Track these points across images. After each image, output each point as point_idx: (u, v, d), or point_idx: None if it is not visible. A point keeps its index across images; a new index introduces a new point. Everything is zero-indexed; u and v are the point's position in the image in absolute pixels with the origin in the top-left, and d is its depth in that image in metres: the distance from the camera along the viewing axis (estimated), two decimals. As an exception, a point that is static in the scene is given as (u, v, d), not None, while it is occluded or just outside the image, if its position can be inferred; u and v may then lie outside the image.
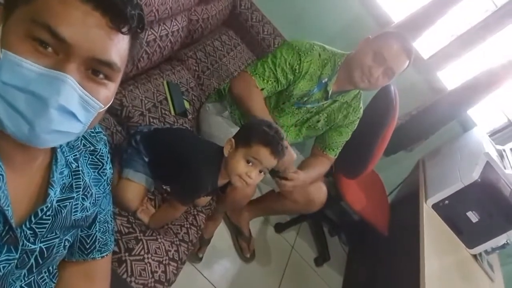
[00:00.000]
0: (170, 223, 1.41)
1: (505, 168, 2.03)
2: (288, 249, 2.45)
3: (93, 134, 0.84)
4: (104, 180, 0.86)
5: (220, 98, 1.83)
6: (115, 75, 0.63)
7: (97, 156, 0.84)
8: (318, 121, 1.76)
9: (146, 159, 1.35)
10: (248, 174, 1.24)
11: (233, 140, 1.28)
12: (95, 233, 0.88)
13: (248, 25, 2.37)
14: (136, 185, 1.33)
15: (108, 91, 0.63)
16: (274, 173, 1.60)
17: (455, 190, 2.03)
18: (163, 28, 1.61)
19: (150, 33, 1.52)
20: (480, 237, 2.02)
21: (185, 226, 1.45)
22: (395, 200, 2.69)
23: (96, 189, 0.83)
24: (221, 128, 1.74)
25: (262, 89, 1.58)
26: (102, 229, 0.90)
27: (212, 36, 2.20)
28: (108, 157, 0.86)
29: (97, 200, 0.84)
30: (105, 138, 0.87)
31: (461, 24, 2.41)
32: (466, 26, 2.34)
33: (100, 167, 0.84)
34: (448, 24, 2.39)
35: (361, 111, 1.79)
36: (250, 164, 1.24)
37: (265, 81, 1.58)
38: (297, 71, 1.60)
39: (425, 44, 2.44)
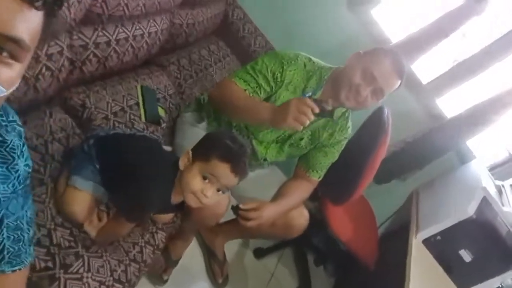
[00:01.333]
0: (122, 240, 1.26)
1: (503, 205, 1.87)
2: (267, 277, 2.27)
3: (3, 123, 0.71)
4: (15, 178, 0.73)
5: (198, 108, 1.70)
6: (23, 54, 0.54)
7: (6, 149, 0.71)
8: (301, 139, 1.62)
9: (98, 166, 1.21)
10: (203, 192, 1.10)
11: (190, 152, 1.14)
12: (1, 241, 0.75)
13: (239, 36, 2.27)
14: (83, 194, 1.19)
15: (12, 71, 0.54)
16: (234, 208, 1.46)
17: (448, 226, 1.87)
18: (137, 27, 1.49)
19: (121, 30, 1.41)
20: (473, 278, 1.85)
21: (140, 244, 1.30)
22: (385, 232, 2.53)
23: (2, 187, 0.70)
24: (195, 139, 1.60)
25: (245, 90, 1.46)
26: (12, 237, 0.77)
27: (199, 44, 2.09)
28: (22, 151, 0.74)
29: (2, 200, 0.71)
30: (21, 129, 0.74)
31: (464, 49, 2.29)
32: (469, 52, 2.22)
33: (9, 161, 0.72)
34: (450, 49, 2.28)
35: (349, 131, 1.66)
36: (207, 181, 1.11)
37: (247, 85, 1.47)
38: (278, 79, 1.48)
39: (425, 68, 2.33)
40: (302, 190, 1.68)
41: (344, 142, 1.66)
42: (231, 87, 1.46)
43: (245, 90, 1.45)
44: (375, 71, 1.39)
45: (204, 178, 1.10)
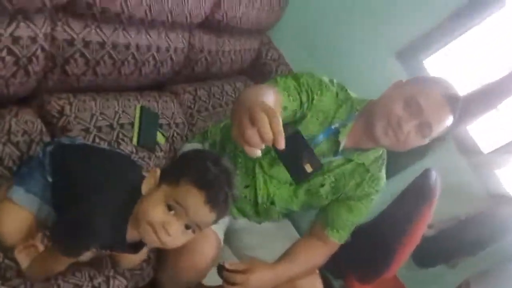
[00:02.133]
0: (62, 278, 0.97)
1: None
2: None
3: None
4: None
5: (203, 140, 1.46)
6: None
7: None
8: (321, 185, 1.28)
9: (50, 179, 0.97)
10: (165, 226, 0.81)
11: (158, 171, 0.87)
12: None
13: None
14: (21, 211, 0.94)
15: None
16: (219, 267, 1.17)
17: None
18: (144, 36, 1.32)
19: (121, 34, 1.23)
20: None
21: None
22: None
23: None
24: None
25: (284, 109, 1.07)
26: None
27: (224, 79, 1.90)
28: None
29: None
30: None
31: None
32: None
33: None
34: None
35: (382, 183, 1.31)
36: (172, 212, 0.81)
37: (290, 98, 1.10)
38: (314, 102, 1.17)
39: (486, 136, 1.96)
40: (316, 253, 1.33)
41: (375, 197, 1.31)
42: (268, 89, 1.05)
43: (285, 108, 1.07)
44: (422, 101, 1.09)
45: (170, 208, 0.82)
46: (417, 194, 1.52)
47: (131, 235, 0.88)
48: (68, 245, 0.85)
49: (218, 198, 0.81)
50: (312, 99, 1.17)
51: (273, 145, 0.67)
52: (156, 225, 0.81)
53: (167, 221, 0.81)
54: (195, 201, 0.80)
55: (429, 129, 1.11)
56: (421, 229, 1.53)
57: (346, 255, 1.77)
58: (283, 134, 0.67)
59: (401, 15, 1.93)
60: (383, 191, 1.33)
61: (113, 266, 1.09)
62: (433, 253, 1.95)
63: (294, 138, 0.73)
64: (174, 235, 0.82)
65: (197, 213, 0.81)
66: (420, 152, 1.92)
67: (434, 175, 1.58)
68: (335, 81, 1.26)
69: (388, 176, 1.92)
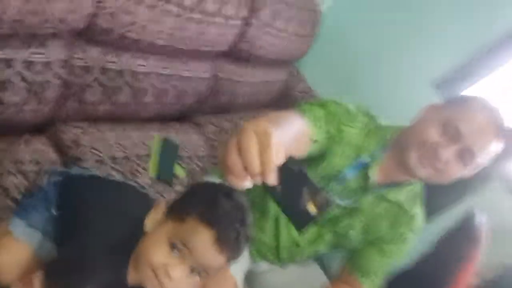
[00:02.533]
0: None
1: None
2: None
3: None
4: None
5: (222, 174, 1.37)
6: None
7: None
8: (351, 228, 1.14)
9: (54, 213, 0.90)
10: (167, 269, 0.70)
11: (164, 205, 0.78)
12: None
13: (300, 112, 1.97)
14: (20, 247, 0.86)
15: None
16: None
17: None
18: (166, 64, 1.27)
19: (141, 62, 1.19)
20: None
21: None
22: None
23: None
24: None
25: (315, 142, 0.95)
26: None
27: (250, 111, 1.83)
28: None
29: None
30: None
31: None
32: None
33: None
34: None
35: (420, 221, 1.16)
36: (176, 252, 0.72)
37: (321, 130, 0.97)
38: (342, 134, 1.03)
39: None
40: None
41: (411, 238, 1.16)
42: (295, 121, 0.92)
43: (315, 141, 0.95)
44: (462, 125, 0.94)
45: (173, 247, 0.72)
46: (460, 239, 1.37)
47: (134, 277, 0.79)
48: (61, 286, 0.76)
49: (229, 237, 0.70)
50: (341, 131, 1.03)
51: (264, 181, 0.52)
52: (157, 268, 0.71)
53: (170, 263, 0.71)
54: (202, 240, 0.70)
55: (470, 156, 0.95)
56: (466, 279, 1.36)
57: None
58: (273, 168, 0.51)
59: (439, 45, 1.83)
60: (419, 231, 1.18)
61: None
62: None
63: (291, 170, 0.54)
64: (178, 280, 0.71)
65: (204, 254, 0.70)
66: (459, 193, 1.76)
67: (479, 218, 1.42)
68: (363, 108, 1.11)
69: (426, 219, 1.78)
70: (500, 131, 0.95)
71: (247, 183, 0.52)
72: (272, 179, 0.51)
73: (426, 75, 1.85)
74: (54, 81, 1.01)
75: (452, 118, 0.96)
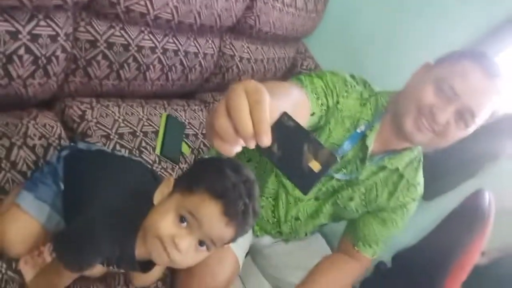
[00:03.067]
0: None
1: None
2: None
3: None
4: None
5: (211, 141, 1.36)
6: None
7: None
8: (350, 199, 1.13)
9: (62, 186, 0.90)
10: (175, 239, 0.70)
11: (172, 180, 0.77)
12: None
13: (306, 89, 1.95)
14: (28, 220, 0.87)
15: None
16: None
17: None
18: (172, 40, 1.25)
19: (146, 37, 1.17)
20: None
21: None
22: None
23: None
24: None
25: (312, 114, 0.91)
26: None
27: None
28: None
29: None
30: None
31: None
32: None
33: None
34: None
35: (420, 189, 1.14)
36: (184, 224, 0.71)
37: (319, 102, 0.93)
38: (339, 106, 0.99)
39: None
40: (344, 271, 1.20)
41: (412, 206, 1.15)
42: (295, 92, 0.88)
43: (313, 114, 0.92)
44: (457, 83, 0.89)
45: (181, 219, 0.72)
46: (468, 217, 1.35)
47: (141, 251, 0.79)
48: (69, 259, 0.77)
49: (237, 210, 0.70)
50: (337, 102, 0.99)
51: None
52: (165, 238, 0.71)
53: (178, 234, 0.71)
54: (210, 212, 0.69)
55: (471, 115, 0.90)
56: (473, 258, 1.35)
57: (386, 283, 1.62)
58: (268, 126, 0.44)
59: (450, 24, 1.80)
60: (420, 201, 1.18)
61: (127, 283, 1.00)
62: (484, 284, 1.75)
63: (286, 128, 0.48)
64: (185, 251, 0.71)
65: (212, 226, 0.70)
66: (471, 170, 1.75)
67: (487, 196, 1.41)
68: (357, 76, 1.08)
69: (435, 196, 1.77)
70: (498, 82, 0.90)
71: (237, 148, 0.47)
72: (267, 140, 0.45)
73: (433, 54, 1.82)
74: (61, 54, 1.00)
75: (445, 76, 0.91)
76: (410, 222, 1.25)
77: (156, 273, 0.96)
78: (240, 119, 0.44)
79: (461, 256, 1.33)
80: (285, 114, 0.48)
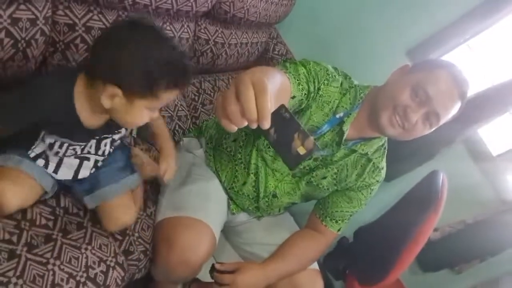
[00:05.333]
0: (57, 265, 0.94)
1: None
2: None
3: None
4: None
5: (198, 134, 1.43)
6: None
7: None
8: (323, 177, 1.25)
9: None
10: (152, 118, 0.93)
11: (118, 91, 0.83)
12: None
13: (278, 73, 2.02)
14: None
15: None
16: (211, 269, 1.19)
17: None
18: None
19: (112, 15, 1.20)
20: None
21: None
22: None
23: None
24: (186, 166, 1.33)
25: (293, 98, 1.02)
26: None
27: (230, 72, 1.87)
28: None
29: None
30: None
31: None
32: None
33: None
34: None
35: (383, 173, 1.28)
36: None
37: (300, 87, 1.03)
38: (320, 93, 1.12)
39: (498, 137, 1.90)
40: (313, 245, 1.30)
41: (375, 187, 1.28)
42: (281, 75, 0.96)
43: (293, 97, 1.01)
44: (430, 89, 1.03)
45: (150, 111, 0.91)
46: (423, 197, 1.48)
47: (89, 119, 0.91)
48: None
49: (184, 81, 0.89)
50: (318, 89, 1.11)
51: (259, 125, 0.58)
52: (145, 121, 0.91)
53: (152, 116, 0.91)
54: (172, 97, 0.89)
55: (436, 118, 1.05)
56: (426, 233, 1.48)
57: (348, 256, 1.74)
58: (269, 113, 0.57)
59: (414, 12, 1.88)
60: (381, 181, 1.30)
61: (115, 254, 1.07)
62: (438, 257, 1.89)
63: (283, 117, 0.62)
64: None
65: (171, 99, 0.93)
66: (428, 154, 1.87)
67: (441, 177, 1.53)
68: (339, 69, 1.21)
69: (394, 177, 1.89)
70: (463, 92, 1.04)
71: (240, 127, 0.59)
72: (267, 125, 0.57)
73: (400, 43, 1.92)
74: (40, 37, 1.02)
75: (422, 81, 1.04)
76: (372, 201, 1.37)
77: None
78: (248, 107, 0.56)
79: (416, 231, 1.45)
80: (283, 106, 0.61)
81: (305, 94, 1.06)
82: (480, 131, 1.87)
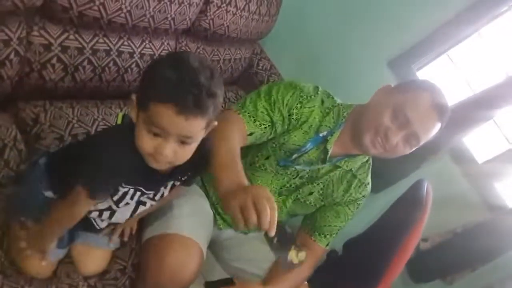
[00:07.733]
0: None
1: None
2: None
3: None
4: None
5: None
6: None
7: None
8: (310, 193, 1.29)
9: (46, 193, 0.97)
10: (159, 151, 0.79)
11: (134, 97, 0.83)
12: None
13: (262, 88, 2.02)
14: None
15: None
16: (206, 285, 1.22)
17: None
18: (127, 43, 1.29)
19: (101, 40, 1.20)
20: None
21: None
22: None
23: None
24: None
25: (250, 134, 1.13)
26: None
27: (213, 89, 1.87)
28: None
29: None
30: None
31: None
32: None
33: None
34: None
35: (369, 187, 1.33)
36: (158, 137, 0.80)
37: (257, 123, 1.15)
38: (293, 117, 1.18)
39: (482, 145, 1.92)
40: (305, 264, 1.28)
41: (362, 202, 1.33)
42: (231, 129, 1.09)
43: (251, 134, 1.13)
44: (410, 112, 1.08)
45: (154, 134, 0.79)
46: (408, 205, 1.48)
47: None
48: (94, 183, 0.84)
49: (188, 104, 0.74)
50: (290, 114, 1.18)
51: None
52: (152, 153, 0.80)
53: (158, 145, 0.79)
54: (167, 118, 0.75)
55: (416, 139, 1.11)
56: (413, 242, 1.48)
57: (338, 269, 1.72)
58: (275, 225, 0.80)
59: (394, 25, 1.91)
60: (367, 196, 1.35)
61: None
62: (429, 267, 1.88)
63: (285, 234, 0.90)
64: (169, 154, 0.80)
65: (176, 127, 0.77)
66: (415, 164, 1.88)
67: (425, 185, 1.53)
68: (320, 88, 1.25)
69: (382, 189, 1.89)
70: (442, 115, 1.09)
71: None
72: (273, 233, 0.80)
73: (381, 54, 1.94)
74: (14, 58, 1.02)
75: (402, 105, 1.09)
76: (362, 212, 1.38)
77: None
78: (265, 221, 0.79)
79: (402, 240, 1.45)
80: (286, 227, 0.83)
81: (268, 125, 1.15)
82: (465, 139, 1.88)
